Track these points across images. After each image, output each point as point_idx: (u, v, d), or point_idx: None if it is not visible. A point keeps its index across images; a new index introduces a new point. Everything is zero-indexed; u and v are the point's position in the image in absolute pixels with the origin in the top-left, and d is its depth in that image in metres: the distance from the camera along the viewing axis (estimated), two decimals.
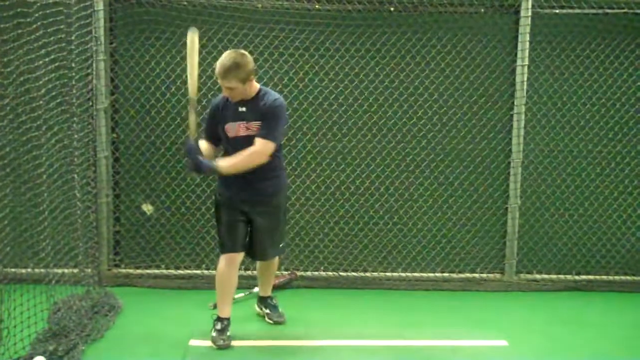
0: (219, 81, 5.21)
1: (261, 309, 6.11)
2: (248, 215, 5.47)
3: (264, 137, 5.20)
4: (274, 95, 5.34)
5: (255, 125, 5.24)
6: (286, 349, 5.48)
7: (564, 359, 5.43)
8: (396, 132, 7.10)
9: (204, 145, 5.40)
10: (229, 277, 5.47)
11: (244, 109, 5.27)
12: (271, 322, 5.98)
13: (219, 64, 5.15)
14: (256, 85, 5.37)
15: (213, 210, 5.70)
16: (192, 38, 5.21)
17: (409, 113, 7.08)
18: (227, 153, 5.41)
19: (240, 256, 5.48)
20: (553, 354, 5.52)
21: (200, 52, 5.38)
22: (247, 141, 5.24)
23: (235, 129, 5.29)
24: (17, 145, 5.43)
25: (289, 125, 6.90)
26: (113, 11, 6.83)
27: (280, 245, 5.77)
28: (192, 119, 5.18)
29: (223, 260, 5.46)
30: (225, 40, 6.83)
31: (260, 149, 5.20)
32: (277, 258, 5.92)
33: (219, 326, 5.49)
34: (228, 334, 5.48)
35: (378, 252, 7.26)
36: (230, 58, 5.13)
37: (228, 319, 5.52)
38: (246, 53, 5.29)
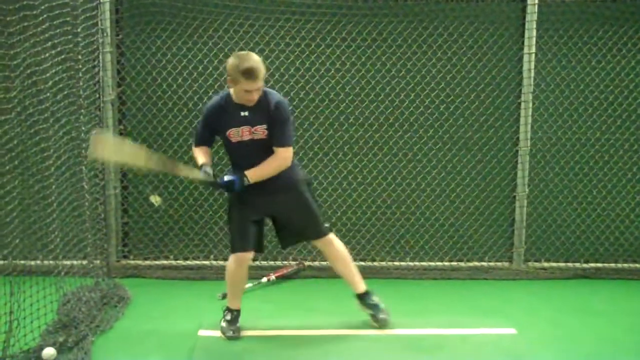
0: (246, 84, 4.93)
1: (363, 308, 5.68)
2: (267, 211, 5.40)
3: (282, 144, 5.13)
4: (275, 96, 5.18)
5: (261, 128, 5.12)
6: (294, 338, 5.48)
7: (573, 347, 5.42)
8: (403, 122, 7.09)
9: (199, 153, 5.32)
10: (239, 275, 5.45)
11: (246, 113, 5.12)
12: (377, 325, 5.60)
13: (250, 67, 4.91)
14: None
15: (226, 208, 5.59)
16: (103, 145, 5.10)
17: (416, 102, 7.06)
18: (232, 158, 5.31)
19: (250, 255, 5.39)
20: (561, 341, 5.51)
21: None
22: (252, 144, 5.15)
23: (239, 133, 5.16)
24: (25, 138, 5.44)
25: (296, 116, 6.91)
26: (119, 3, 6.84)
27: (325, 225, 5.53)
28: (185, 173, 5.30)
29: (232, 259, 5.40)
30: (231, 31, 6.83)
31: (283, 157, 5.15)
32: (338, 243, 5.57)
33: (228, 317, 5.50)
34: (238, 325, 5.49)
35: (386, 241, 7.27)
36: (257, 59, 4.98)
37: (238, 311, 5.53)
38: None
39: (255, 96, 5.05)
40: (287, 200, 5.36)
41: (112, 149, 5.11)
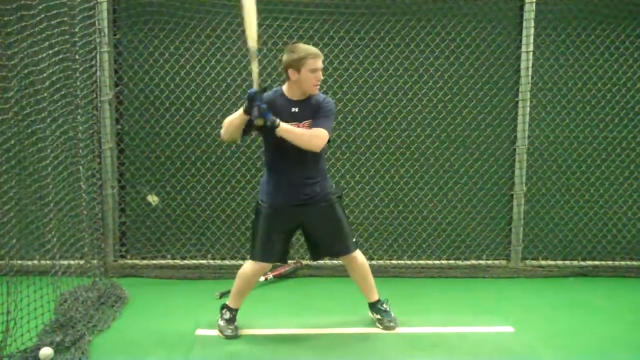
0: (313, 63, 5.03)
1: (373, 315, 5.72)
2: (297, 222, 5.36)
3: (321, 126, 5.13)
4: (322, 95, 5.27)
5: (307, 123, 5.16)
6: (292, 337, 5.48)
7: (570, 345, 5.42)
8: (401, 120, 7.09)
9: (234, 121, 5.11)
10: (252, 281, 5.47)
11: (296, 109, 5.16)
12: (380, 327, 5.62)
13: (309, 46, 5.15)
14: None
15: (253, 217, 5.48)
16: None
17: (414, 100, 7.07)
18: (271, 155, 5.28)
19: (268, 266, 5.43)
20: (559, 339, 5.51)
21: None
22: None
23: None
24: (22, 138, 5.44)
25: None
26: (116, 3, 6.85)
27: (354, 240, 5.54)
28: (255, 70, 5.04)
29: (251, 266, 5.39)
30: (229, 31, 6.83)
31: (319, 135, 5.10)
32: (362, 259, 5.54)
33: (227, 315, 5.50)
34: (235, 323, 5.49)
35: (384, 240, 7.27)
36: None
37: (237, 310, 5.53)
38: None
39: (321, 76, 5.15)
40: (318, 212, 5.34)
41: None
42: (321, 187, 5.31)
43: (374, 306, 5.68)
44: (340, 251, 5.48)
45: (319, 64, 5.10)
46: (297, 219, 5.35)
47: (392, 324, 5.62)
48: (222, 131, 5.18)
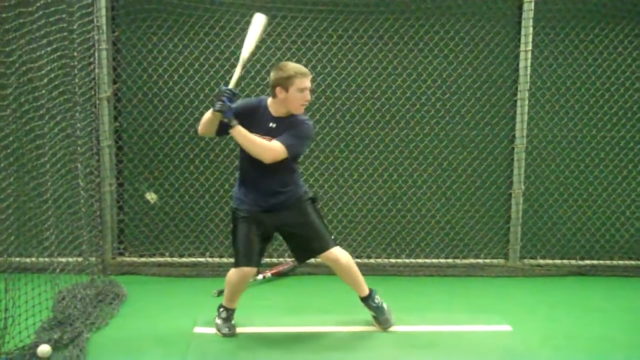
0: (301, 82, 5.02)
1: (368, 310, 5.62)
2: (272, 226, 5.37)
3: (283, 142, 5.08)
4: (303, 116, 5.22)
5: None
6: (289, 335, 5.48)
7: (568, 344, 5.43)
8: (399, 119, 7.09)
9: (208, 115, 5.14)
10: (240, 287, 5.45)
11: (274, 125, 5.14)
12: (377, 327, 5.59)
13: (298, 66, 5.18)
14: None
15: (231, 225, 5.49)
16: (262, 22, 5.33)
17: (413, 99, 7.07)
18: (242, 163, 5.31)
19: (253, 271, 5.41)
20: (557, 338, 5.52)
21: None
22: None
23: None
24: (20, 135, 5.44)
25: None
26: (115, 0, 6.82)
27: (332, 237, 5.49)
28: (237, 74, 5.10)
29: (236, 273, 5.37)
30: (227, 28, 6.83)
31: (275, 148, 5.06)
32: (345, 257, 5.45)
33: (224, 314, 5.50)
34: (233, 322, 5.49)
35: (382, 238, 7.27)
36: None
37: (233, 309, 5.53)
38: None
39: (309, 96, 5.14)
40: (291, 216, 5.34)
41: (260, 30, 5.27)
42: (292, 194, 5.33)
43: (366, 301, 5.60)
44: (319, 249, 5.41)
45: (308, 83, 5.08)
46: (272, 224, 5.35)
47: (387, 319, 5.58)
48: (200, 124, 5.24)
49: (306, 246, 5.44)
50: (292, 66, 5.13)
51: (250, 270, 5.36)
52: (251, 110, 5.19)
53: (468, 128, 7.14)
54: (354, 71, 7.00)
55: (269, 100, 5.19)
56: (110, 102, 6.87)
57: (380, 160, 7.15)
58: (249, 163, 5.21)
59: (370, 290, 5.59)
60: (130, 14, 6.84)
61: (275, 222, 5.35)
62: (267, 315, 5.94)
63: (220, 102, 4.97)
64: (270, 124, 5.15)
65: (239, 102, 5.22)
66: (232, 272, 5.41)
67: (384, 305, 5.61)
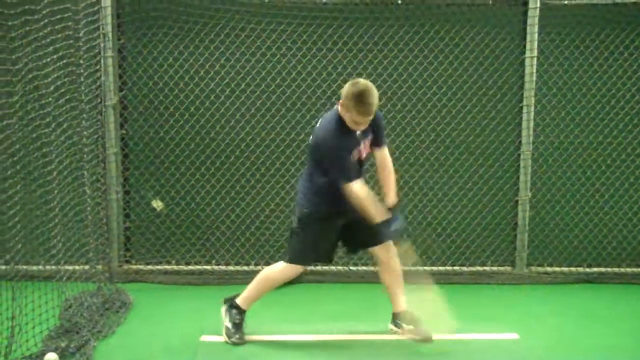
0: (358, 118, 4.91)
1: (396, 326, 5.54)
2: (342, 223, 5.30)
3: (333, 181, 5.06)
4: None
5: (367, 140, 5.16)
6: (296, 343, 5.48)
7: (575, 352, 5.41)
8: (405, 126, 7.08)
9: (366, 188, 5.08)
10: (275, 286, 5.48)
11: (358, 132, 5.08)
12: (418, 338, 5.40)
13: (368, 103, 4.88)
14: None
15: (296, 222, 5.34)
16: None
17: (418, 106, 7.05)
18: (324, 182, 5.17)
19: (301, 272, 5.44)
20: (564, 346, 5.50)
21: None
22: (363, 159, 5.23)
23: (358, 152, 5.14)
24: (26, 143, 5.45)
25: (297, 120, 6.93)
26: (120, 7, 6.83)
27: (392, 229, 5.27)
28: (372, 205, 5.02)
29: (286, 269, 5.35)
30: (232, 36, 6.83)
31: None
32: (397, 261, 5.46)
33: (237, 319, 5.44)
34: (243, 329, 5.47)
35: None
36: (375, 94, 4.95)
37: (245, 312, 5.49)
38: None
39: (363, 127, 5.03)
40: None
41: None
42: None
43: (398, 316, 5.52)
44: (381, 238, 5.28)
45: (363, 120, 4.94)
46: (343, 220, 5.27)
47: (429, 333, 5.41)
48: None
49: (372, 233, 5.21)
50: (362, 100, 4.87)
51: (299, 270, 5.38)
52: (344, 133, 5.04)
53: (474, 135, 7.13)
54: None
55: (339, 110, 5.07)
56: (117, 110, 6.87)
57: None
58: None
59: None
60: (136, 21, 6.84)
61: (347, 217, 5.22)
62: (275, 322, 5.93)
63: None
64: (357, 132, 5.08)
65: (337, 142, 5.02)
66: (280, 268, 5.38)
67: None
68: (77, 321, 5.46)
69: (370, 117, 4.96)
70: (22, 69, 5.07)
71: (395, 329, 5.55)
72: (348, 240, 5.47)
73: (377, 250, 5.42)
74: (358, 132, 5.08)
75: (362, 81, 5.04)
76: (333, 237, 5.35)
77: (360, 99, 4.86)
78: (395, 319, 5.55)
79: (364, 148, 5.16)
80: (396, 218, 5.13)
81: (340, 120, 5.04)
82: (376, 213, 5.00)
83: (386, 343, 5.48)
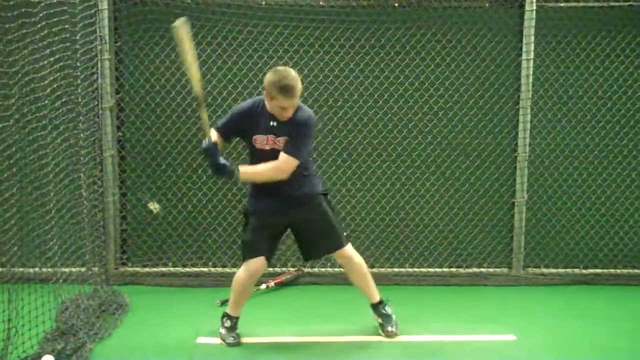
0: (282, 102, 4.99)
1: (375, 317, 5.69)
2: (285, 222, 5.38)
3: (289, 153, 5.09)
4: (305, 112, 5.21)
5: (282, 140, 5.13)
6: (293, 345, 5.47)
7: (572, 353, 5.41)
8: (402, 128, 7.09)
9: (215, 133, 5.19)
10: (248, 285, 5.44)
11: (274, 123, 5.13)
12: (382, 334, 5.60)
13: (287, 84, 4.98)
14: None
15: (242, 226, 5.57)
16: (179, 32, 4.96)
17: (415, 108, 7.06)
18: (252, 162, 5.27)
19: (262, 266, 5.36)
20: (561, 348, 5.50)
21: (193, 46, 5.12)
22: (272, 155, 5.15)
23: (263, 141, 5.17)
24: (23, 145, 5.44)
25: None
26: (117, 10, 6.84)
27: (345, 234, 5.55)
28: (204, 118, 5.03)
29: (244, 268, 5.38)
30: (229, 38, 6.84)
31: (282, 165, 5.09)
32: (359, 256, 5.58)
33: (228, 324, 5.49)
34: (237, 331, 5.48)
35: (385, 247, 7.26)
36: (294, 76, 5.04)
37: (237, 318, 5.52)
38: None
39: (290, 112, 5.09)
40: (305, 212, 5.35)
41: (186, 40, 5.01)
42: (307, 189, 5.35)
43: (376, 308, 5.66)
44: (332, 246, 5.46)
45: (289, 104, 5.03)
46: (284, 220, 5.37)
47: (393, 329, 5.59)
48: None
49: (319, 243, 5.45)
50: (282, 82, 4.99)
51: (257, 261, 5.33)
52: (246, 114, 5.21)
53: (470, 137, 7.14)
54: (355, 80, 7.00)
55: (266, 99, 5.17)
56: (113, 112, 6.88)
57: (383, 170, 7.14)
58: (260, 163, 5.20)
59: (381, 298, 5.64)
60: (132, 24, 6.85)
61: (289, 218, 5.34)
62: (271, 324, 5.93)
63: (212, 168, 5.03)
64: (271, 122, 5.15)
65: (237, 109, 5.30)
66: (241, 269, 5.42)
67: (393, 316, 5.63)
68: (73, 323, 5.44)
69: (295, 100, 5.05)
70: (18, 72, 5.07)
71: (379, 319, 5.66)
72: (301, 248, 5.58)
73: (334, 255, 5.55)
74: (275, 124, 5.14)
75: (281, 67, 5.25)
76: (270, 233, 5.36)
77: (282, 81, 4.99)
78: (375, 310, 5.68)
79: (272, 141, 5.17)
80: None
81: (257, 102, 5.25)
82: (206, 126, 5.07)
83: (381, 345, 5.47)
